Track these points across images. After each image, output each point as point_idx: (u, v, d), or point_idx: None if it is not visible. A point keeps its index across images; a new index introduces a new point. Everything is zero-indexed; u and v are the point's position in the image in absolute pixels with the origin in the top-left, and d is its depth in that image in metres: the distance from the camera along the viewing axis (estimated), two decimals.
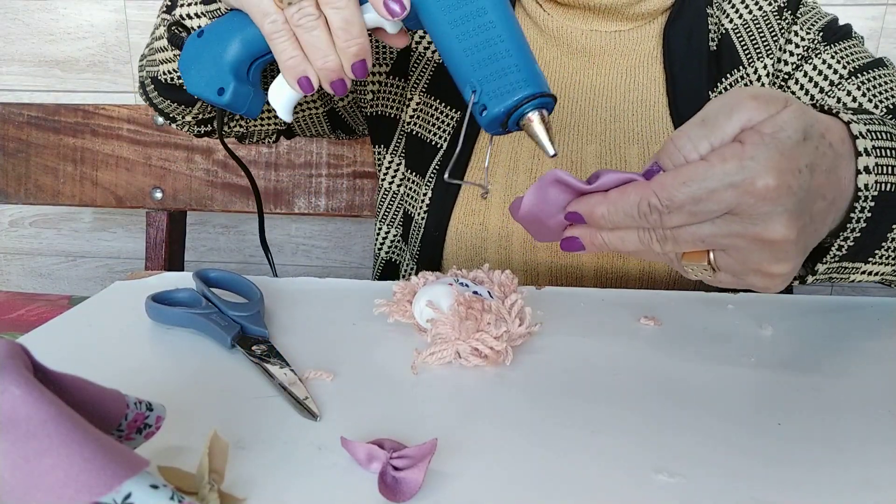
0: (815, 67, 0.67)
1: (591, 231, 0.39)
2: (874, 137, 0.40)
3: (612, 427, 0.37)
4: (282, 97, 0.47)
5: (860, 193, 0.39)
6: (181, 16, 0.55)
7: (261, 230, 0.68)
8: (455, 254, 0.68)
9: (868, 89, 0.64)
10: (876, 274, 0.46)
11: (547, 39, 0.72)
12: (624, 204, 0.36)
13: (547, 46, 0.72)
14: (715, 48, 0.69)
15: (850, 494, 0.31)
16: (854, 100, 0.64)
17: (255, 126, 0.75)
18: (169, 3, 0.59)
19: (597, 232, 0.39)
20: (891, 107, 0.62)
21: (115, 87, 1.26)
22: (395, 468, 0.31)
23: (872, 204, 0.40)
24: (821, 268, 0.43)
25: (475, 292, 0.47)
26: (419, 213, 0.70)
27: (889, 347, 0.47)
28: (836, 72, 0.66)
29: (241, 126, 0.75)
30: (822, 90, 0.66)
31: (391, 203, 0.76)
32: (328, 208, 1.00)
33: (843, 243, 0.41)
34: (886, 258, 0.44)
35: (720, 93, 0.68)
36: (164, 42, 0.57)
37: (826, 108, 0.42)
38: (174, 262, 1.01)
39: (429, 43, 0.73)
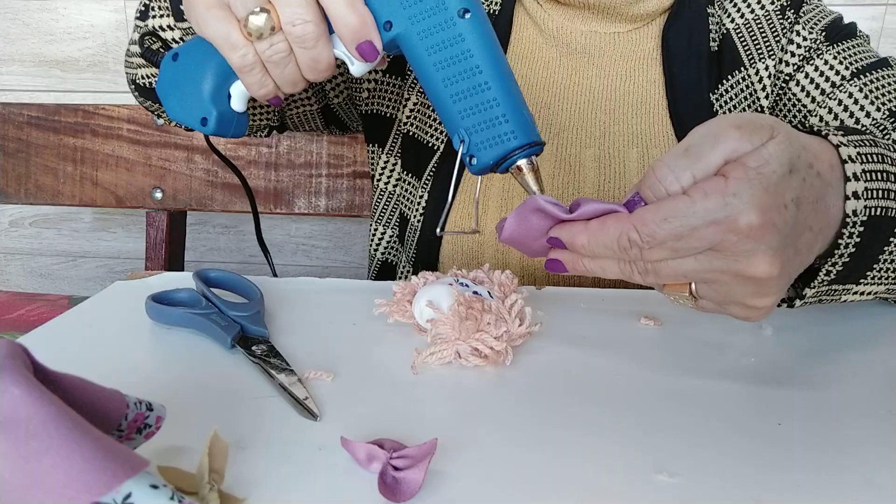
0: (816, 69, 0.66)
1: (574, 257, 0.39)
2: (864, 160, 0.39)
3: (613, 427, 0.37)
4: (242, 97, 0.46)
5: (848, 219, 0.39)
6: (153, 27, 0.55)
7: (257, 230, 0.68)
8: (451, 256, 0.68)
9: (870, 91, 0.63)
10: (869, 294, 0.45)
11: (546, 39, 0.72)
12: (604, 237, 0.36)
13: (546, 46, 0.72)
14: (716, 48, 0.69)
15: (849, 495, 0.31)
16: (855, 102, 0.63)
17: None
18: (142, 9, 0.58)
19: (579, 258, 0.39)
20: (893, 109, 0.61)
21: (115, 87, 1.26)
22: (395, 468, 0.31)
23: (861, 229, 0.39)
24: (809, 292, 0.42)
25: (475, 292, 0.47)
26: (415, 216, 0.70)
27: (889, 348, 0.47)
28: (837, 73, 0.65)
29: None
30: (823, 92, 0.65)
31: (387, 204, 0.75)
32: (328, 208, 1.00)
33: (831, 268, 0.41)
34: (879, 278, 0.44)
35: (721, 94, 0.67)
36: (139, 50, 0.56)
37: (815, 129, 0.41)
38: (174, 262, 1.01)
39: None
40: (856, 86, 0.63)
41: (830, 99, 0.65)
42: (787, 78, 0.68)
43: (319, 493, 0.31)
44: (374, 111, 0.75)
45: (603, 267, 0.38)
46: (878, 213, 0.39)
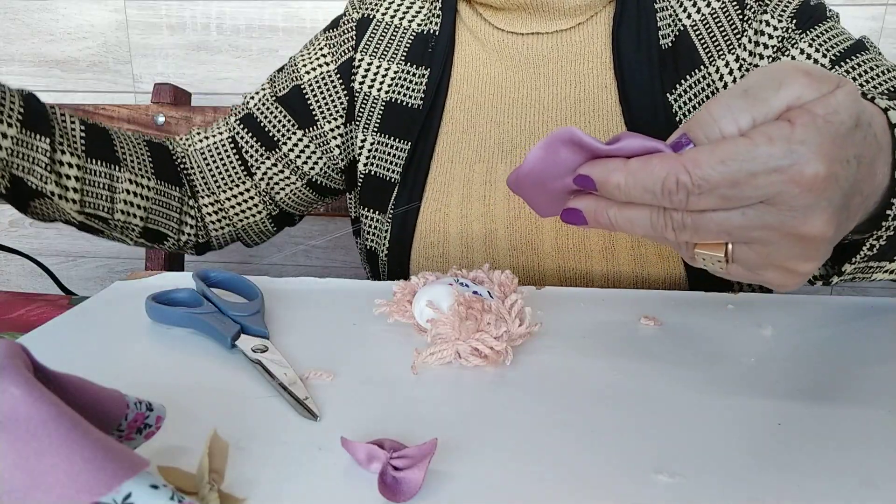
0: (793, 59, 0.62)
1: (599, 204, 0.35)
2: None
3: (612, 427, 0.37)
4: None
5: None
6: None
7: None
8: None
9: (855, 78, 0.60)
10: None
11: (489, 54, 0.70)
12: (646, 176, 0.31)
13: (490, 62, 0.70)
14: (669, 45, 0.65)
15: (850, 494, 0.31)
16: None
17: (242, 222, 0.77)
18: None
19: (605, 207, 0.34)
20: (886, 92, 0.59)
21: (115, 87, 1.26)
22: (395, 468, 0.31)
23: None
24: (848, 268, 0.39)
25: (475, 292, 0.47)
26: (382, 250, 0.70)
27: (889, 347, 0.47)
28: (815, 61, 0.62)
29: (223, 226, 0.77)
30: None
31: (359, 243, 0.76)
32: (328, 208, 1.00)
33: (875, 242, 0.38)
34: None
35: (680, 95, 0.64)
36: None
37: (862, 94, 0.38)
38: (174, 262, 1.01)
39: (372, 81, 0.72)
40: (838, 73, 0.61)
41: None
42: None
43: (319, 493, 0.31)
44: (348, 161, 0.75)
45: (631, 219, 0.34)
46: None
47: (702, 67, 0.65)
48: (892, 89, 0.58)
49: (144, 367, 0.43)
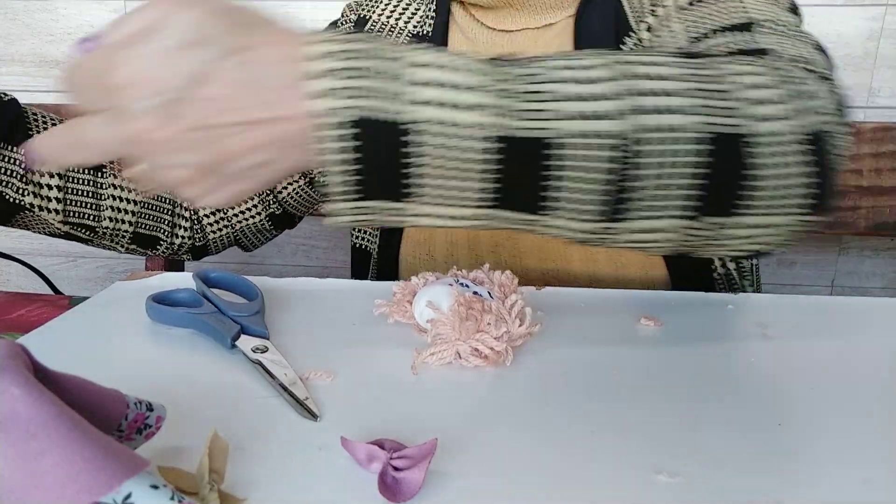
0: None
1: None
2: (341, 57, 0.33)
3: (612, 427, 0.37)
4: None
5: (318, 120, 0.33)
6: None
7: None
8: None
9: (691, 22, 0.56)
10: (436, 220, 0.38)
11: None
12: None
13: None
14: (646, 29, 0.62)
15: (850, 494, 0.31)
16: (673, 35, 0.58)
17: (241, 223, 0.77)
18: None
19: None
20: (719, 29, 0.54)
21: None
22: (396, 468, 0.31)
23: (351, 132, 0.33)
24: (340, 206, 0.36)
25: (475, 293, 0.47)
26: (373, 248, 0.71)
27: (889, 347, 0.47)
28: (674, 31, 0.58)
29: (221, 227, 0.77)
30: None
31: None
32: None
33: (334, 177, 0.34)
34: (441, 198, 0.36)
35: None
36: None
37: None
38: (174, 262, 1.01)
39: None
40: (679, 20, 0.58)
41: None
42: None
43: (319, 493, 0.31)
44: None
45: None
46: (369, 115, 0.33)
47: (631, 34, 0.62)
48: (723, 27, 0.54)
49: (144, 367, 0.43)
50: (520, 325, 0.45)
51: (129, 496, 0.23)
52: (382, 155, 0.34)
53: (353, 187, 0.35)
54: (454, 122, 0.34)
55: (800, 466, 0.33)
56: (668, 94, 0.37)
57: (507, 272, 0.51)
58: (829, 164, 0.40)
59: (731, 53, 0.45)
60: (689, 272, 0.63)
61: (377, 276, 0.71)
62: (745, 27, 0.53)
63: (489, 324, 0.44)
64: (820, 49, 0.51)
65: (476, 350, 0.43)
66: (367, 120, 0.33)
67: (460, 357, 0.43)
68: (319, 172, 0.34)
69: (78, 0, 1.22)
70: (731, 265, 0.65)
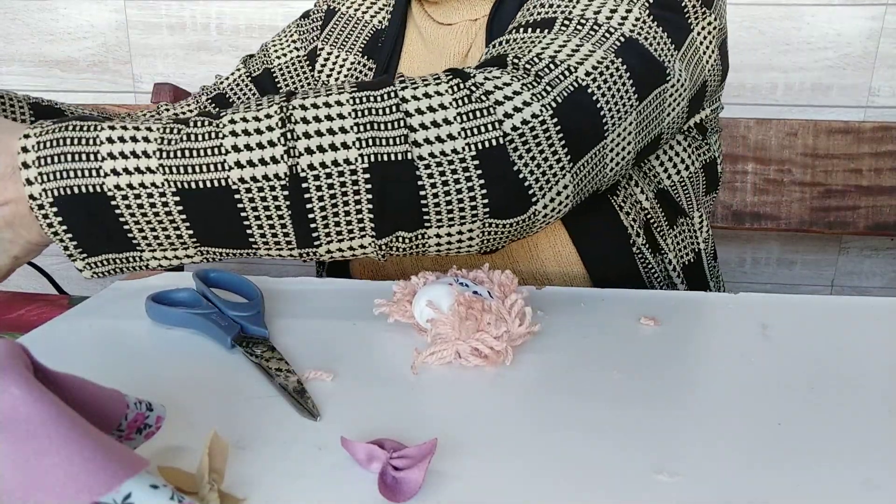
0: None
1: None
2: (44, 147, 0.42)
3: (612, 427, 0.37)
4: None
5: (32, 203, 0.42)
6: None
7: None
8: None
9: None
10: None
11: (431, 52, 0.69)
12: None
13: (432, 60, 0.69)
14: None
15: (850, 494, 0.31)
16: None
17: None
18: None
19: None
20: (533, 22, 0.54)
21: (115, 87, 1.26)
22: (395, 468, 0.31)
23: (55, 210, 0.42)
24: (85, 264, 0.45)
25: (475, 292, 0.47)
26: None
27: (889, 347, 0.47)
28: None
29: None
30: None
31: None
32: None
33: (66, 243, 0.44)
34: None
35: None
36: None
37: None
38: None
39: (331, 70, 0.73)
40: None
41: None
42: None
43: (319, 493, 0.31)
44: None
45: None
46: (67, 192, 0.42)
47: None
48: (527, 23, 0.54)
49: (144, 367, 0.43)
50: (520, 325, 0.45)
51: (128, 496, 0.23)
52: (86, 220, 0.43)
53: (76, 250, 0.44)
54: (140, 183, 0.42)
55: (800, 466, 0.33)
56: (332, 132, 0.43)
57: (507, 272, 0.51)
58: (509, 173, 0.44)
59: (479, 64, 0.49)
60: (609, 269, 0.63)
61: (366, 276, 0.71)
62: (548, 24, 0.52)
63: (489, 323, 0.44)
64: (629, 50, 0.50)
65: (476, 350, 0.43)
66: (67, 197, 0.42)
67: (460, 357, 0.43)
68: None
69: (78, 0, 1.22)
70: (641, 240, 0.63)
